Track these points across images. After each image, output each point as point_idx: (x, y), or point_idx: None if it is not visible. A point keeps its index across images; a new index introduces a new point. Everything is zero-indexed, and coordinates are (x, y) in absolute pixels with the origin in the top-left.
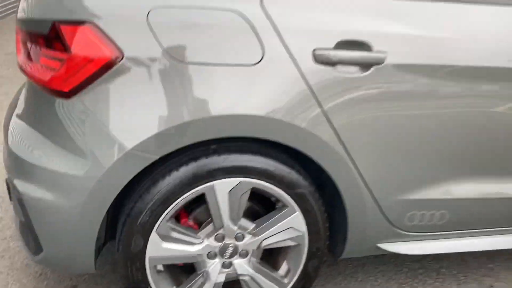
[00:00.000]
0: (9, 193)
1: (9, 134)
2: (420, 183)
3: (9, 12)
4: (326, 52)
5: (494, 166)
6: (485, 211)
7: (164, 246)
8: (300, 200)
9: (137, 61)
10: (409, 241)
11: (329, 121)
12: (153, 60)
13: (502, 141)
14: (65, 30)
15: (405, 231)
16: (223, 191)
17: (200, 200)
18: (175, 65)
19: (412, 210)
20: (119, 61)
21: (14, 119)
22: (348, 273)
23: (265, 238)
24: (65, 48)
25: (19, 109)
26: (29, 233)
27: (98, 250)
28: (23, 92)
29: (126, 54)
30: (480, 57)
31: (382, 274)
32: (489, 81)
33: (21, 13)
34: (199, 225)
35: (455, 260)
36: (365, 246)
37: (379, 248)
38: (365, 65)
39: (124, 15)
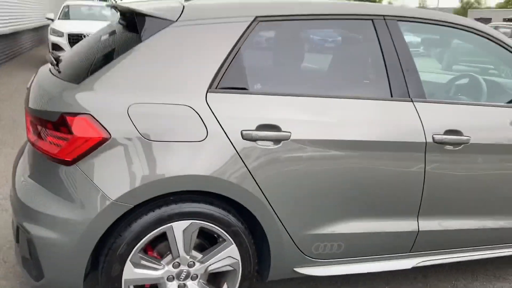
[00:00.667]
0: (17, 236)
1: (17, 188)
2: (321, 222)
3: None
4: (250, 132)
5: (372, 210)
6: (370, 243)
7: (135, 271)
8: (234, 236)
9: (120, 140)
10: (317, 265)
11: (253, 177)
12: (130, 139)
13: (377, 191)
14: (69, 119)
15: (313, 258)
16: (179, 230)
17: (162, 237)
18: (146, 143)
19: (316, 242)
20: (105, 140)
21: (22, 176)
22: None
23: (210, 265)
24: (69, 131)
25: (25, 168)
26: (32, 264)
27: (85, 276)
28: (27, 154)
29: (112, 135)
30: (354, 134)
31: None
32: (361, 149)
33: (34, 104)
34: (161, 255)
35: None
36: (285, 270)
37: (295, 272)
38: (276, 141)
39: (113, 109)
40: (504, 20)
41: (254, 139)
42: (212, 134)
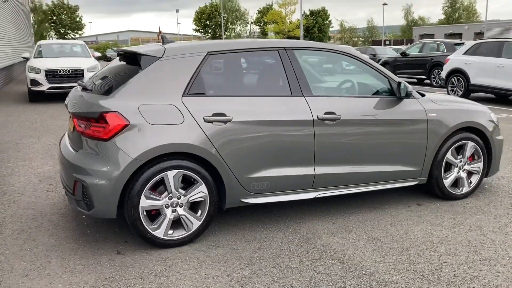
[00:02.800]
0: (73, 188)
1: (70, 159)
2: (255, 170)
3: None
4: (208, 117)
5: (285, 161)
6: (285, 182)
7: (146, 201)
8: (203, 179)
9: (135, 125)
10: (254, 197)
11: (212, 144)
12: (141, 124)
13: (287, 149)
14: (106, 115)
15: (252, 192)
16: (171, 176)
17: (161, 183)
18: (149, 126)
19: (253, 182)
20: (127, 125)
21: (73, 151)
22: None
23: (190, 197)
24: (106, 122)
25: (74, 146)
26: (85, 202)
27: (117, 209)
28: (71, 140)
29: (131, 122)
30: (271, 116)
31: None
32: (275, 125)
33: (79, 109)
34: (161, 194)
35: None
36: (235, 200)
37: (242, 201)
38: (224, 122)
39: (130, 108)
40: (446, 35)
41: (211, 121)
42: (186, 119)
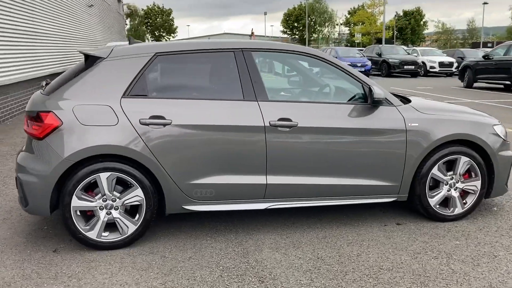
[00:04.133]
0: (16, 183)
1: (18, 157)
2: (196, 176)
3: None
4: (144, 120)
5: (233, 169)
6: (233, 190)
7: (79, 202)
8: (139, 182)
9: (68, 125)
10: (198, 204)
11: (147, 147)
12: (73, 124)
13: (235, 156)
14: (42, 114)
15: (194, 199)
16: (104, 178)
17: (96, 184)
18: (82, 126)
19: (195, 188)
20: (60, 125)
21: (22, 150)
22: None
23: (125, 200)
24: (42, 121)
25: (24, 147)
26: (23, 198)
27: (52, 207)
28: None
29: (64, 123)
30: (217, 120)
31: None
32: (222, 130)
33: (27, 108)
34: (97, 194)
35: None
36: (176, 207)
37: (184, 208)
38: (163, 124)
39: (64, 108)
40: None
41: (147, 124)
42: (121, 121)
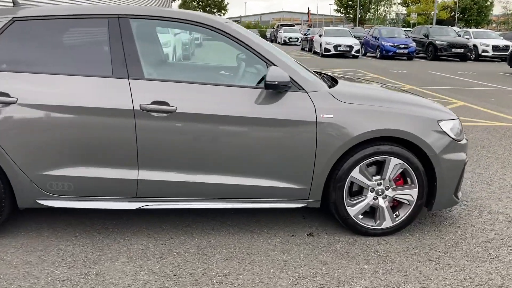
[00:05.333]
0: None
1: None
2: (50, 166)
3: None
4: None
5: (95, 160)
6: (97, 185)
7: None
8: None
9: None
10: (54, 199)
11: None
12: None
13: (95, 145)
14: None
15: (50, 193)
16: None
17: None
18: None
19: (49, 181)
20: None
21: None
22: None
23: None
24: None
25: None
26: None
27: None
28: None
29: None
30: (77, 102)
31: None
32: (81, 113)
33: None
34: None
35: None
36: (29, 201)
37: (38, 203)
38: (7, 103)
39: None
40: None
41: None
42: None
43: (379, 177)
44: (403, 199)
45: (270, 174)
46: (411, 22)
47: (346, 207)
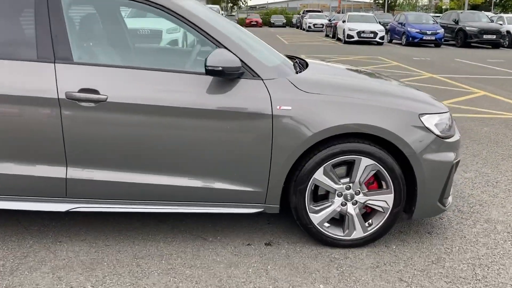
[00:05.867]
0: None
1: None
2: None
3: None
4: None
5: (17, 155)
6: (19, 183)
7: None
8: None
9: None
10: None
11: None
12: None
13: (17, 138)
14: None
15: None
16: None
17: None
18: None
19: None
20: None
21: None
22: None
23: None
24: None
25: None
26: None
27: None
28: None
29: None
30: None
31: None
32: (6, 103)
33: None
34: None
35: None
36: None
37: None
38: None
39: None
40: None
41: None
42: None
43: (348, 180)
44: (376, 205)
45: (219, 175)
46: (443, 8)
47: (309, 213)
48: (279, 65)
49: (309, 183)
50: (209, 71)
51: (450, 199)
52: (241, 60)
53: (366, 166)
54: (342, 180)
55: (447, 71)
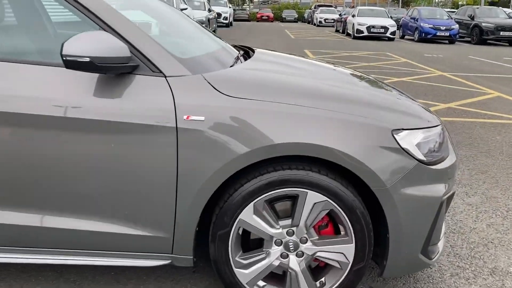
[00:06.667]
0: None
1: None
2: None
3: None
4: None
5: None
6: None
7: None
8: None
9: None
10: None
11: None
12: None
13: None
14: None
15: None
16: None
17: None
18: None
19: None
20: None
21: None
22: None
23: None
24: None
25: None
26: None
27: None
28: None
29: None
30: None
31: None
32: None
33: None
34: None
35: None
36: None
37: None
38: None
39: None
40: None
41: None
42: None
43: (290, 222)
44: (330, 259)
45: (107, 214)
46: (459, 3)
47: (234, 268)
48: (199, 57)
49: (234, 226)
50: (69, 63)
51: (439, 245)
52: (134, 48)
53: (314, 204)
54: (282, 222)
55: (459, 69)
